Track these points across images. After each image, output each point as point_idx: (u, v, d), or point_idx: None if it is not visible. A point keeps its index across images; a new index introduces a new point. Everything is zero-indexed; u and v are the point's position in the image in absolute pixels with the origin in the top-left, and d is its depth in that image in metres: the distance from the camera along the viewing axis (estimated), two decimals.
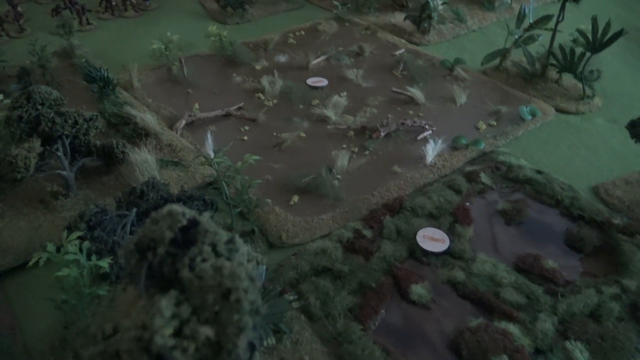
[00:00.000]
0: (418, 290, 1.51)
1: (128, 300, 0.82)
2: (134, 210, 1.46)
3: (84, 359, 0.78)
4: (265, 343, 1.22)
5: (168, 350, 0.66)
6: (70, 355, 0.79)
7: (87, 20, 3.17)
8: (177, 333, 0.69)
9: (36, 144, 1.67)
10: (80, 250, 1.26)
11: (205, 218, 0.85)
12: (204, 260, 0.80)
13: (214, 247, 0.82)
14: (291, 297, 1.38)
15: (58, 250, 1.29)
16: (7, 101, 1.80)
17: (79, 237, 1.30)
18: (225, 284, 0.71)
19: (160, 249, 0.82)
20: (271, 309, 1.15)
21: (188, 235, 0.83)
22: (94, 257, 1.28)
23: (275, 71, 2.62)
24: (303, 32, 3.11)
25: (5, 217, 1.70)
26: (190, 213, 0.85)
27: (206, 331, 0.69)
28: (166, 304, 0.70)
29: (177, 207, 0.84)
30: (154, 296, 0.79)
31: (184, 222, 0.83)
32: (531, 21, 2.61)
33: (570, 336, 1.39)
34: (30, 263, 1.29)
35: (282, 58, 2.80)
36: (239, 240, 0.86)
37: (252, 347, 0.74)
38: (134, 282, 0.85)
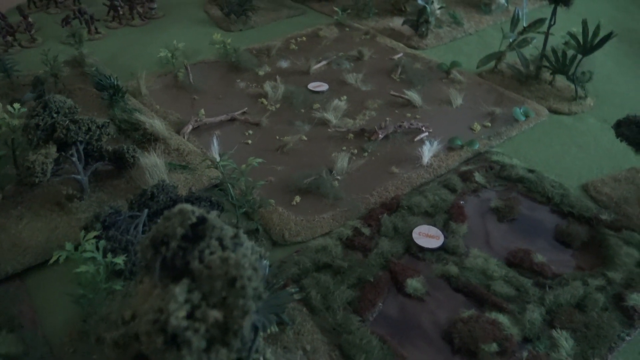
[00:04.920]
0: (413, 284, 1.60)
1: (145, 290, 0.92)
2: (146, 211, 1.55)
3: (107, 341, 0.87)
4: (268, 330, 1.32)
5: (182, 331, 0.76)
6: (93, 339, 0.88)
7: (95, 29, 3.29)
8: (190, 316, 0.79)
9: (52, 150, 1.77)
10: (97, 248, 1.36)
11: (212, 215, 0.94)
12: (211, 253, 0.90)
13: (220, 241, 0.92)
14: (293, 290, 1.47)
15: (76, 248, 1.39)
16: (24, 109, 1.90)
17: (95, 237, 1.40)
18: (231, 272, 0.81)
19: (172, 243, 0.92)
20: (274, 300, 1.24)
21: (197, 231, 0.93)
22: (109, 255, 1.38)
23: (277, 76, 2.72)
24: (304, 38, 3.21)
25: (24, 218, 1.80)
26: (199, 211, 0.94)
27: (215, 314, 0.78)
28: (179, 290, 0.79)
29: (188, 206, 0.94)
30: (167, 285, 0.89)
31: (194, 219, 0.93)
32: (525, 25, 2.70)
33: (557, 325, 1.47)
34: (51, 261, 1.39)
35: (284, 63, 2.90)
36: (243, 235, 0.95)
37: (255, 329, 0.84)
38: (150, 274, 0.94)
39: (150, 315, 0.79)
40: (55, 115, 1.78)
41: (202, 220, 0.93)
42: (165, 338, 0.77)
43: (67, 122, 1.76)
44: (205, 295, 0.81)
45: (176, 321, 0.76)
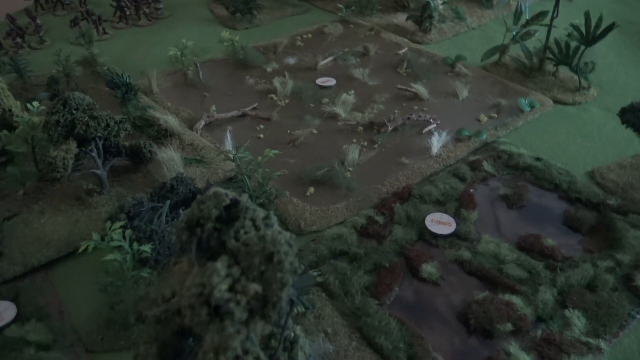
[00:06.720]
0: (428, 268, 1.65)
1: (182, 269, 0.96)
2: (168, 202, 1.60)
3: (149, 318, 0.92)
4: (296, 310, 1.36)
5: (225, 302, 0.80)
6: (134, 317, 0.92)
7: (103, 30, 3.33)
8: (231, 289, 0.83)
9: (72, 145, 1.81)
10: (124, 237, 1.41)
11: (244, 198, 0.99)
12: (246, 232, 0.95)
13: (253, 221, 0.97)
14: (315, 274, 1.52)
15: (102, 239, 1.44)
16: (42, 107, 1.94)
17: (121, 227, 1.45)
18: (269, 248, 0.85)
19: (207, 225, 0.96)
20: (298, 283, 1.29)
21: (230, 212, 0.98)
22: (135, 244, 1.42)
23: (285, 72, 2.77)
24: (310, 35, 3.25)
25: (45, 213, 1.85)
26: (232, 194, 0.99)
27: (255, 287, 0.83)
28: (221, 265, 0.84)
29: (221, 189, 0.99)
30: (205, 264, 0.93)
31: (227, 202, 0.97)
32: (527, 18, 2.74)
33: (569, 305, 1.52)
34: (80, 250, 1.44)
35: (291, 60, 2.95)
36: (273, 217, 1.00)
37: (291, 302, 0.88)
38: (186, 255, 0.99)
39: (193, 290, 0.83)
40: (74, 111, 1.82)
41: (235, 202, 0.97)
42: (209, 310, 0.81)
43: (87, 118, 1.80)
44: (244, 270, 0.86)
45: (219, 293, 0.81)
